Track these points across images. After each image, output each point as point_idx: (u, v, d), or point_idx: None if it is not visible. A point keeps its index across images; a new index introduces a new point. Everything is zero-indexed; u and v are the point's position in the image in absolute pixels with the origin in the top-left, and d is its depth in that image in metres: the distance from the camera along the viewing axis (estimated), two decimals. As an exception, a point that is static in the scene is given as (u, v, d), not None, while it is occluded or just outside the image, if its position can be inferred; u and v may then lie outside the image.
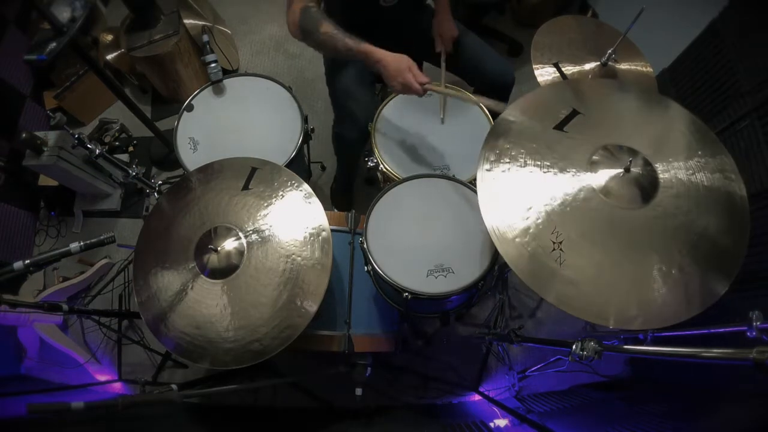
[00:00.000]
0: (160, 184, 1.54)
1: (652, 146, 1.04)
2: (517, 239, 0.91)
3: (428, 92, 1.51)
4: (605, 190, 0.97)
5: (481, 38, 1.60)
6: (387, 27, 1.29)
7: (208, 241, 1.14)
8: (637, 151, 1.03)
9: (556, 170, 1.00)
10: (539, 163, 1.00)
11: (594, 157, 1.01)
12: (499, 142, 1.05)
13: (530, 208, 0.94)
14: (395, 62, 1.20)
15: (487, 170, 1.00)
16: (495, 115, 1.45)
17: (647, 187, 0.99)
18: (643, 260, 0.90)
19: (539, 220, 0.93)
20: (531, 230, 0.92)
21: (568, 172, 0.99)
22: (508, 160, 1.01)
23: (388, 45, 1.60)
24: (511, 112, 1.11)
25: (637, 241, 0.92)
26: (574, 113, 1.09)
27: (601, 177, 0.98)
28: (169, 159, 2.24)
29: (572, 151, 1.02)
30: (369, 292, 1.39)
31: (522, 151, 1.02)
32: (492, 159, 1.01)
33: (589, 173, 0.99)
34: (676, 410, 1.34)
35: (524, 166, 1.00)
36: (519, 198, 0.96)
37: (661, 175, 1.00)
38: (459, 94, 1.33)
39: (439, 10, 1.46)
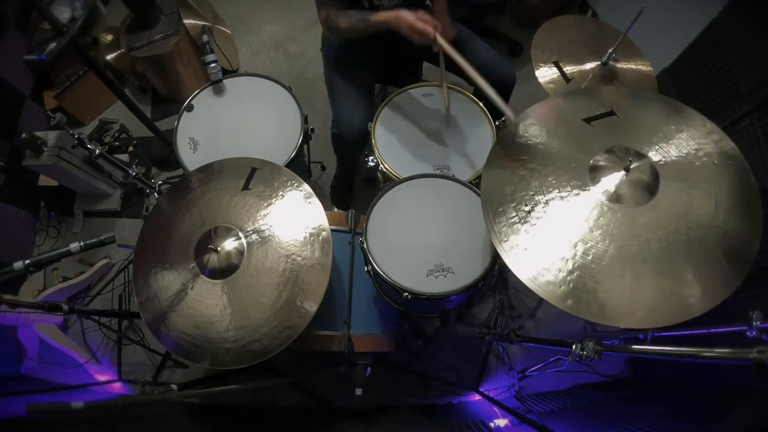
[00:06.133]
0: (160, 184, 1.54)
1: (650, 144, 1.04)
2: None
3: (429, 93, 1.52)
4: (615, 197, 0.96)
5: (481, 38, 1.60)
6: (388, 31, 1.32)
7: (208, 241, 1.14)
8: (630, 147, 1.03)
9: (566, 195, 0.98)
10: (549, 192, 0.98)
11: (592, 162, 1.01)
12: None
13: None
14: (399, 26, 1.27)
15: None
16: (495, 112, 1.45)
17: (650, 179, 0.98)
18: (657, 258, 0.89)
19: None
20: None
21: (576, 189, 0.98)
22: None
23: (389, 47, 1.61)
24: (511, 128, 1.10)
25: (650, 239, 0.91)
26: (611, 113, 1.09)
27: (607, 184, 0.97)
28: (169, 159, 2.24)
29: (576, 167, 1.01)
30: (369, 292, 1.39)
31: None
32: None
33: (594, 186, 0.98)
34: (676, 410, 1.34)
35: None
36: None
37: (658, 163, 1.00)
38: (475, 78, 1.28)
39: (437, 10, 1.46)
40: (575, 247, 0.91)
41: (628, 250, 0.90)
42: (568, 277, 0.89)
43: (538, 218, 0.95)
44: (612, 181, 0.98)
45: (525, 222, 0.95)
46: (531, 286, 0.89)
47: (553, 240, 0.93)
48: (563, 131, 1.09)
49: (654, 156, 1.02)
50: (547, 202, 0.97)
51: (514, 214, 0.97)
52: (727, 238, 0.91)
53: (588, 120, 1.09)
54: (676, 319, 0.85)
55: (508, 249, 0.93)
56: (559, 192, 0.98)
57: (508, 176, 1.02)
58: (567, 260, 0.90)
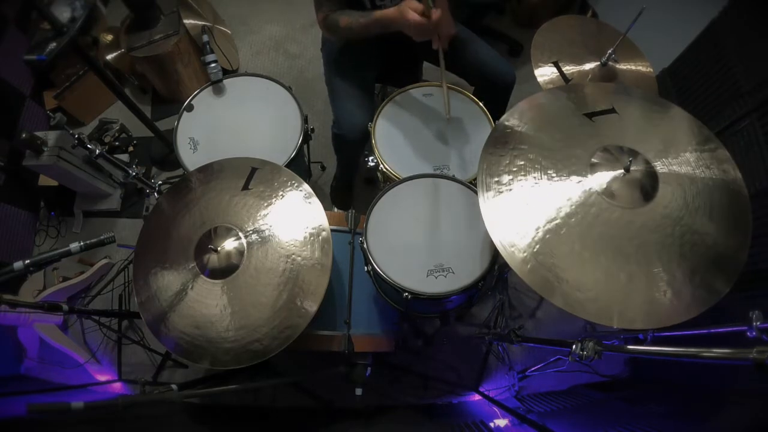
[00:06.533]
0: (160, 184, 1.54)
1: (652, 146, 1.05)
2: (526, 253, 0.91)
3: (429, 93, 1.52)
4: (608, 192, 0.97)
5: (481, 38, 1.60)
6: (387, 33, 1.32)
7: (208, 241, 1.14)
8: (636, 150, 1.03)
9: (557, 176, 0.99)
10: (540, 171, 1.00)
11: (593, 159, 1.01)
12: (498, 152, 1.04)
13: (537, 223, 0.93)
14: (399, 18, 1.27)
15: (490, 190, 0.99)
16: (495, 112, 1.46)
17: (647, 185, 0.99)
18: (646, 260, 0.90)
19: (547, 232, 0.92)
20: (540, 242, 0.91)
21: (570, 177, 0.99)
22: (509, 177, 1.00)
23: (389, 47, 1.60)
24: (509, 118, 1.11)
25: (640, 242, 0.92)
26: (612, 110, 1.10)
27: (601, 179, 0.98)
28: (169, 159, 2.24)
29: (572, 155, 1.02)
30: (369, 292, 1.39)
31: (522, 162, 1.01)
32: (494, 177, 1.00)
33: (590, 176, 0.99)
34: (676, 410, 1.34)
35: (526, 177, 0.99)
36: (524, 213, 0.95)
37: (660, 173, 1.00)
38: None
39: (438, 8, 1.46)
40: (573, 245, 0.91)
41: (625, 250, 0.91)
42: (563, 275, 0.89)
43: (535, 215, 0.95)
44: (610, 179, 0.98)
45: (521, 219, 0.95)
46: (527, 279, 0.89)
47: (551, 237, 0.93)
48: (552, 127, 1.09)
49: (653, 159, 1.02)
50: (544, 197, 0.97)
51: (511, 207, 0.97)
52: (718, 245, 0.92)
53: (589, 115, 1.09)
54: (669, 321, 0.86)
55: (507, 246, 0.93)
56: (556, 187, 0.98)
57: (506, 165, 1.02)
58: (564, 257, 0.90)
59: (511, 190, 0.98)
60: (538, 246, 0.91)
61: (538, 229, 0.93)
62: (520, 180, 0.99)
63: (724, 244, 0.93)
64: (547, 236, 0.92)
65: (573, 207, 0.95)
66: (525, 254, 0.91)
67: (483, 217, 0.96)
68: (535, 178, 0.99)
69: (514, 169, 1.00)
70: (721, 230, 0.94)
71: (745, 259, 0.91)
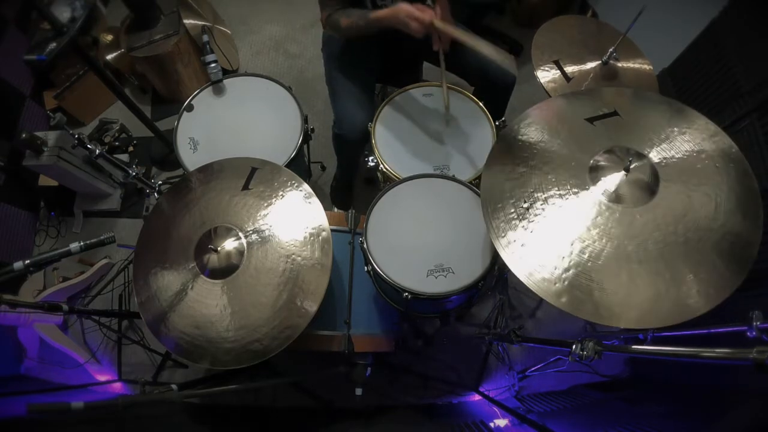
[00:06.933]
0: (160, 184, 1.54)
1: (657, 144, 1.04)
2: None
3: (429, 93, 1.53)
4: (614, 197, 0.96)
5: (481, 38, 1.60)
6: (388, 31, 1.32)
7: (208, 241, 1.14)
8: (640, 151, 1.03)
9: (565, 193, 0.98)
10: (548, 189, 0.99)
11: (592, 161, 1.01)
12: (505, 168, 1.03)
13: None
14: (395, 20, 1.28)
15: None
16: (495, 112, 1.46)
17: (649, 180, 0.98)
18: (655, 258, 0.90)
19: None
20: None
21: (576, 188, 0.98)
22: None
23: (390, 47, 1.61)
24: (513, 127, 1.11)
25: (648, 240, 0.91)
26: (614, 113, 1.09)
27: (607, 184, 0.98)
28: (169, 159, 2.24)
29: (572, 165, 1.02)
30: (369, 292, 1.39)
31: (532, 184, 1.00)
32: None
33: (594, 185, 0.98)
34: (676, 410, 1.34)
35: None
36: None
37: (659, 164, 1.00)
38: (472, 43, 1.28)
39: (438, 9, 1.46)
40: (572, 245, 0.91)
41: (625, 249, 0.90)
42: (564, 275, 0.89)
43: (536, 215, 0.96)
44: (612, 180, 0.98)
45: (523, 219, 0.96)
46: (527, 282, 0.89)
47: (550, 237, 0.93)
48: (564, 131, 1.09)
49: (655, 157, 1.02)
50: (546, 200, 0.97)
51: (513, 210, 0.97)
52: (726, 240, 0.91)
53: (591, 120, 1.09)
54: (674, 320, 0.86)
55: (506, 245, 0.94)
56: (559, 190, 0.99)
57: (509, 173, 1.02)
58: (563, 258, 0.91)
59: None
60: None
61: (564, 258, 0.91)
62: (532, 216, 0.97)
63: (734, 238, 0.91)
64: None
65: (592, 223, 0.93)
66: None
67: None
68: (545, 203, 0.98)
69: (520, 211, 0.99)
70: (731, 225, 0.92)
71: (759, 246, 0.89)
